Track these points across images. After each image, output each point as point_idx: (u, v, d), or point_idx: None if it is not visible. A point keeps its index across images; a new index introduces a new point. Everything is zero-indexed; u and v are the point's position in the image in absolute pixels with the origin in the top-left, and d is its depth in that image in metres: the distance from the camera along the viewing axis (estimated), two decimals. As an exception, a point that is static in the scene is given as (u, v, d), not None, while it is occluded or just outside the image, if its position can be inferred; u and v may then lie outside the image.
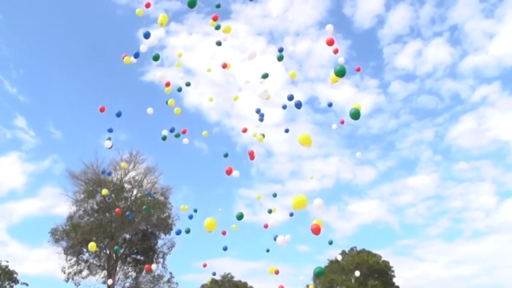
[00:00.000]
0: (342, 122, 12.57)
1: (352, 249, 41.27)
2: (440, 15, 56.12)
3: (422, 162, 56.98)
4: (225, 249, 13.59)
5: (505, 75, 54.00)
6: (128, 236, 31.78)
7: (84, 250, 29.75)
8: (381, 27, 60.96)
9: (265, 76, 11.42)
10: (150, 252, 31.80)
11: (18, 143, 51.15)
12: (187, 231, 13.13)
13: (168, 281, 31.72)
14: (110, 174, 27.38)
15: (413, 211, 54.10)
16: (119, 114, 12.23)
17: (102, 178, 30.27)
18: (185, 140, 12.93)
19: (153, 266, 19.03)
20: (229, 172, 11.42)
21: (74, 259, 30.10)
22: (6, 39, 53.14)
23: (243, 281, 41.71)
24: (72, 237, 29.46)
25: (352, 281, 37.73)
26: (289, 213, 13.61)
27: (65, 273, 29.64)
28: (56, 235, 30.05)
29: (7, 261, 30.21)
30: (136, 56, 10.86)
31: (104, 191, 16.97)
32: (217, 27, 11.24)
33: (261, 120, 12.30)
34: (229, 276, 41.59)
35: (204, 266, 14.02)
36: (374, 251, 39.74)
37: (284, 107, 12.41)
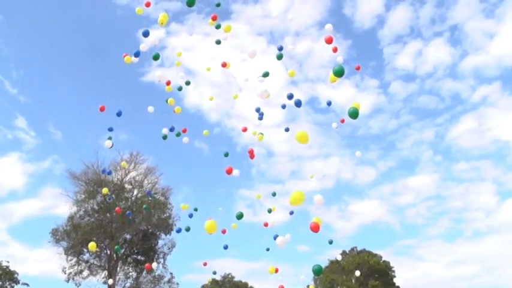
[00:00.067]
0: (342, 121, 12.59)
1: (352, 249, 41.31)
2: (440, 15, 56.18)
3: (423, 163, 57.04)
4: (225, 247, 13.63)
5: (506, 75, 54.07)
6: (128, 236, 31.83)
7: (85, 250, 29.79)
8: (381, 28, 60.99)
9: (265, 75, 11.43)
10: (151, 252, 31.84)
11: (18, 144, 51.28)
12: (187, 230, 13.18)
13: (169, 281, 31.79)
14: (110, 173, 27.41)
15: (413, 211, 54.16)
16: (119, 114, 12.25)
17: (102, 178, 30.32)
18: (185, 139, 12.96)
19: (154, 265, 19.04)
20: (229, 172, 11.45)
21: (75, 259, 30.15)
22: (7, 40, 53.32)
23: (243, 281, 41.80)
24: (73, 237, 29.50)
25: (353, 281, 37.74)
26: (289, 211, 13.66)
27: (65, 273, 29.73)
28: (57, 235, 30.10)
29: (8, 262, 30.37)
30: (136, 55, 10.89)
31: (105, 190, 17.03)
32: (218, 27, 11.27)
33: (260, 119, 12.34)
34: (229, 276, 41.66)
35: (205, 264, 14.07)
36: (374, 251, 39.81)
37: (283, 106, 12.41)
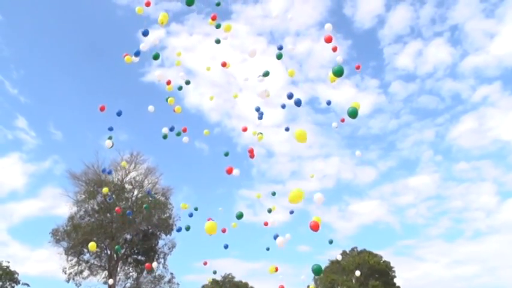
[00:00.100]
0: (343, 121, 12.61)
1: (353, 249, 41.34)
2: (440, 15, 56.21)
3: (423, 163, 57.05)
4: (226, 247, 13.66)
5: (506, 75, 54.08)
6: (128, 237, 31.84)
7: (85, 250, 29.80)
8: (381, 28, 61.01)
9: (266, 74, 11.45)
10: (151, 252, 31.85)
11: (19, 144, 51.30)
12: (187, 229, 13.21)
13: (169, 281, 31.78)
14: (110, 172, 27.42)
15: (414, 211, 54.16)
16: (119, 113, 12.28)
17: (103, 178, 30.35)
18: (185, 139, 12.99)
19: (154, 264, 19.07)
20: (229, 171, 11.48)
21: (75, 259, 30.16)
22: (7, 40, 53.36)
23: (243, 281, 41.82)
24: (73, 237, 29.51)
25: (353, 281, 37.75)
26: (290, 211, 13.68)
27: (65, 273, 29.72)
28: (57, 235, 30.11)
29: (8, 262, 30.40)
30: (137, 54, 10.91)
31: (105, 189, 17.06)
32: (218, 26, 11.30)
33: (260, 118, 12.36)
34: (230, 276, 41.69)
35: (205, 264, 14.09)
36: (375, 251, 39.84)
37: (283, 106, 12.44)
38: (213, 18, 11.28)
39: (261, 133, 12.53)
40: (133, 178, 32.40)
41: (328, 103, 12.38)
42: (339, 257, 35.34)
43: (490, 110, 56.12)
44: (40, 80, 55.67)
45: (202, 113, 48.56)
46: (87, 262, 30.43)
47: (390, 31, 59.42)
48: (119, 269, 30.65)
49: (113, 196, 29.04)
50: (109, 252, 30.23)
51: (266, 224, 13.17)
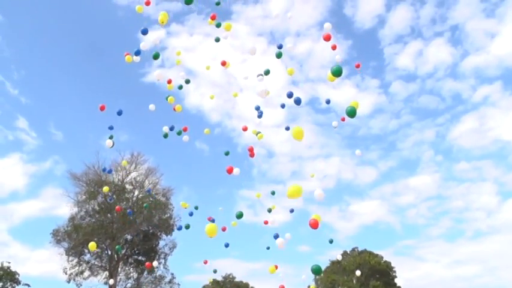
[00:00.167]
0: (343, 120, 12.62)
1: (353, 249, 41.32)
2: (441, 15, 56.22)
3: (424, 163, 56.99)
4: (226, 245, 13.67)
5: (506, 75, 54.04)
6: (129, 237, 31.87)
7: (86, 251, 29.86)
8: (381, 28, 61.04)
9: (266, 72, 11.46)
10: (152, 253, 31.87)
11: (19, 144, 51.34)
12: (187, 227, 13.23)
13: (170, 281, 31.83)
14: (110, 172, 27.42)
15: (414, 211, 54.11)
16: (119, 113, 12.28)
17: (103, 179, 30.38)
18: (185, 138, 13.00)
19: (154, 263, 19.11)
20: (230, 171, 11.49)
21: (76, 260, 30.20)
22: (8, 41, 53.41)
23: (244, 281, 41.81)
24: (74, 238, 29.55)
25: (354, 281, 37.74)
26: (290, 209, 13.68)
27: (66, 274, 29.77)
28: (58, 236, 30.15)
29: (9, 262, 30.42)
30: (137, 53, 10.92)
31: (105, 188, 17.08)
32: (218, 25, 11.32)
33: (260, 117, 12.37)
34: (230, 276, 41.68)
35: (205, 263, 14.08)
36: (375, 252, 39.84)
37: (283, 106, 12.45)
38: (213, 18, 11.30)
39: (259, 132, 12.54)
40: (134, 178, 32.45)
41: (328, 102, 12.37)
42: (340, 257, 35.32)
43: (491, 110, 56.14)
44: (41, 81, 55.81)
45: (203, 114, 48.57)
46: (87, 262, 30.47)
47: (390, 31, 59.44)
48: (119, 269, 30.67)
49: (114, 196, 29.08)
50: (110, 252, 30.25)
51: (266, 222, 13.17)
